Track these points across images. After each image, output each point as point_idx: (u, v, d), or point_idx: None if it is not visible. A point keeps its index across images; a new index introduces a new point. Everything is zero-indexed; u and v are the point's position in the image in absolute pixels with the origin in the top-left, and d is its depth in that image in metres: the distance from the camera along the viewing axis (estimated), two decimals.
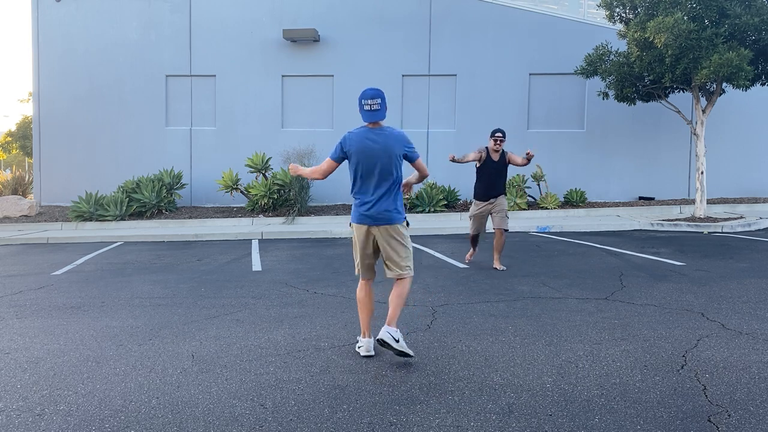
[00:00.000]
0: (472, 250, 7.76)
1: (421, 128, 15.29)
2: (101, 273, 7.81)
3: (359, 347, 4.08)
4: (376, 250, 4.07)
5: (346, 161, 4.04)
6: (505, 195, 7.43)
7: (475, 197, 7.39)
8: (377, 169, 3.92)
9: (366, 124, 3.97)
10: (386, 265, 4.06)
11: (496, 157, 7.19)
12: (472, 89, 15.17)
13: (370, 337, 4.07)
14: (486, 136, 7.75)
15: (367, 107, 3.89)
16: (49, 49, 15.77)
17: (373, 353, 4.01)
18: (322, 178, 4.14)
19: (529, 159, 6.77)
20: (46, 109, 15.87)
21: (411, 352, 3.83)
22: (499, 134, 7.13)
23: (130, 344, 4.43)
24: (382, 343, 3.80)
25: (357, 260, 4.13)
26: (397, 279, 4.04)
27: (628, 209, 13.97)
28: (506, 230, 7.30)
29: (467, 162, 7.27)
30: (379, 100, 3.89)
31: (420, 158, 4.17)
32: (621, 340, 4.28)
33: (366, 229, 3.99)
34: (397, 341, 3.78)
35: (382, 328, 3.86)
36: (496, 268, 7.25)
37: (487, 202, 7.29)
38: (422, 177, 4.28)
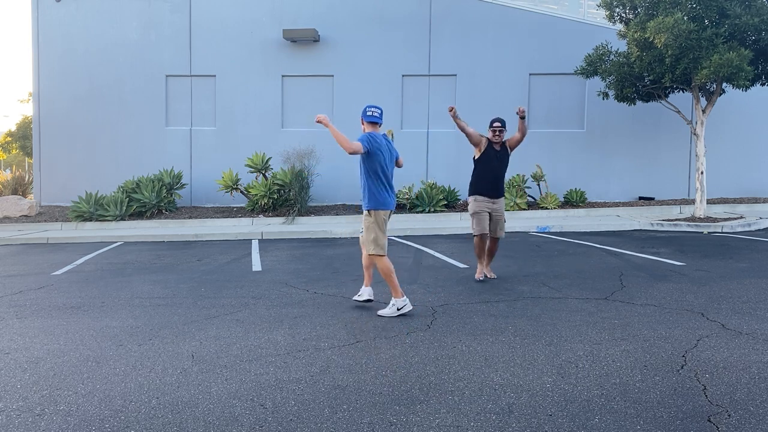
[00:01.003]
0: (480, 266, 6.70)
1: (421, 128, 15.30)
2: (101, 273, 7.81)
3: (361, 296, 5.46)
4: None
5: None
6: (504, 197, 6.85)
7: (476, 192, 6.55)
8: (392, 165, 5.29)
9: (366, 125, 5.18)
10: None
11: (498, 146, 6.52)
12: (472, 89, 15.16)
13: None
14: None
15: (370, 113, 5.17)
16: (49, 49, 15.77)
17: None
18: (351, 154, 4.99)
19: (522, 116, 6.19)
20: (46, 109, 15.86)
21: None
22: (498, 123, 6.42)
23: (130, 344, 4.43)
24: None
25: (383, 240, 5.16)
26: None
27: (628, 209, 13.96)
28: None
29: (463, 130, 6.34)
30: (379, 111, 5.22)
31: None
32: (621, 340, 4.28)
33: (388, 213, 5.25)
34: None
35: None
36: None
37: (491, 200, 6.53)
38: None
